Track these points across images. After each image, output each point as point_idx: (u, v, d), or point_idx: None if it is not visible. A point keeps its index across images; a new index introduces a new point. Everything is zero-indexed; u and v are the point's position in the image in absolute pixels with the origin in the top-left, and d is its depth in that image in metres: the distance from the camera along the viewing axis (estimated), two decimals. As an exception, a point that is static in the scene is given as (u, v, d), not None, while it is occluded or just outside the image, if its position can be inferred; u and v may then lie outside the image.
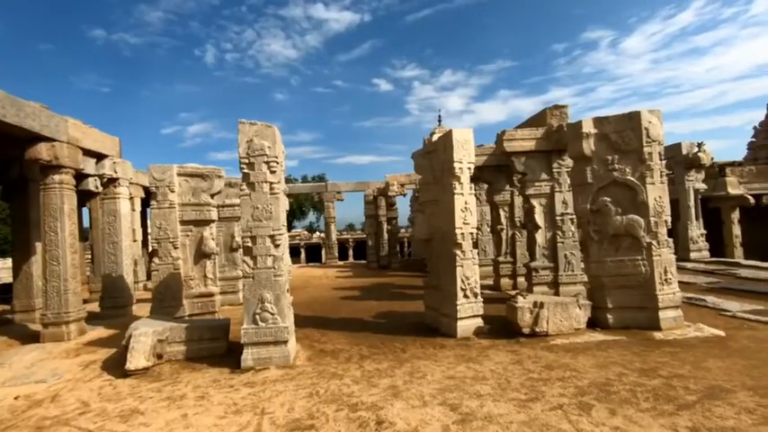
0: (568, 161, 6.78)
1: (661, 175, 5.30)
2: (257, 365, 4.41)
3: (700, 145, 12.48)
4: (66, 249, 6.07)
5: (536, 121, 7.79)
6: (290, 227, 48.94)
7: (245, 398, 3.65)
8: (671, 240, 5.28)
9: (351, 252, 31.25)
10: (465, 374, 3.96)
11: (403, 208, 17.87)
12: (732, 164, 15.97)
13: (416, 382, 3.81)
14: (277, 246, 4.58)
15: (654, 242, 5.17)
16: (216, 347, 4.97)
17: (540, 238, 7.39)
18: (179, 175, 6.51)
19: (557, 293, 7.23)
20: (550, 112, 7.48)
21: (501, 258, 9.02)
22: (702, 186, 12.50)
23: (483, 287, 9.57)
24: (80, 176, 7.10)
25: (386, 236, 14.95)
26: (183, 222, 6.50)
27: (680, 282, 7.27)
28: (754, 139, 23.95)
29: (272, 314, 4.49)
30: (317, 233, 38.75)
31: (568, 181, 7.08)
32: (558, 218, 7.31)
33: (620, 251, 5.32)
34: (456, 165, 5.31)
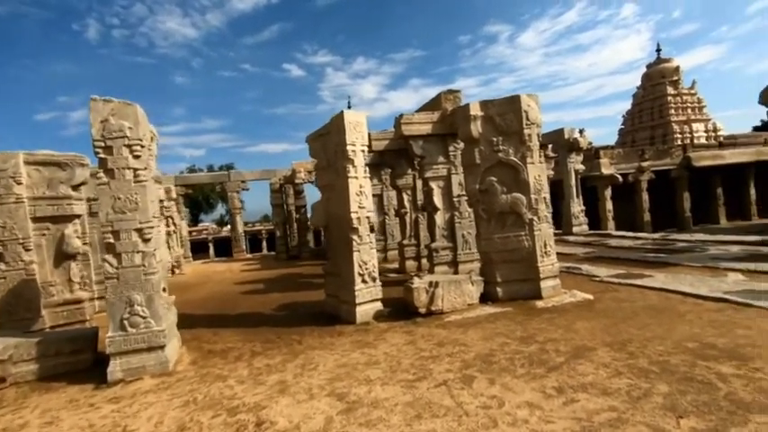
0: (462, 144, 7.01)
1: (540, 156, 5.68)
2: (128, 376, 3.89)
3: (581, 131, 13.88)
4: None
5: (432, 105, 7.95)
6: (196, 220, 45.51)
7: (106, 416, 3.18)
8: (550, 216, 5.72)
9: (264, 244, 29.98)
10: (358, 360, 3.88)
11: (313, 195, 17.46)
12: (605, 147, 18.11)
13: (307, 375, 3.64)
14: (147, 240, 4.05)
15: (535, 218, 5.54)
16: (79, 361, 4.30)
17: (440, 219, 7.61)
18: (27, 163, 5.49)
19: (456, 272, 7.53)
20: (445, 96, 7.67)
21: (405, 241, 9.18)
22: (582, 167, 13.95)
23: (390, 270, 9.73)
24: None
25: (295, 225, 14.48)
26: (37, 219, 5.51)
27: (562, 253, 8.01)
28: (623, 127, 27.50)
29: (144, 317, 3.98)
30: (229, 226, 36.49)
31: (463, 163, 7.35)
32: (455, 199, 7.58)
33: (507, 228, 5.64)
34: (349, 148, 5.16)
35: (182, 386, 3.65)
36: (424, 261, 8.75)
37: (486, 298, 5.63)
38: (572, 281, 6.46)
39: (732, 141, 18.98)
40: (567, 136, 13.31)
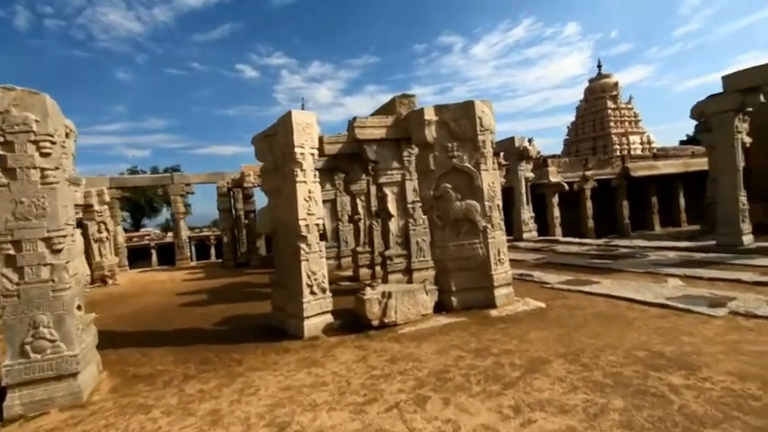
0: (417, 149, 6.87)
1: (493, 162, 5.63)
2: (30, 411, 3.32)
3: (530, 140, 14.29)
4: None
5: (387, 109, 7.77)
6: (138, 225, 42.65)
7: (-7, 465, 2.65)
8: (503, 223, 5.67)
9: (213, 251, 28.52)
10: (304, 382, 3.55)
11: (263, 200, 16.75)
12: (553, 156, 18.86)
13: (245, 401, 3.26)
14: (57, 252, 3.50)
15: (489, 225, 5.47)
16: (-30, 395, 3.64)
17: (394, 226, 7.42)
18: None
19: (410, 280, 7.35)
20: (399, 100, 7.52)
21: (359, 248, 8.91)
22: (531, 175, 14.36)
23: (343, 278, 9.40)
24: None
25: (244, 231, 13.76)
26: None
27: (514, 259, 8.05)
28: (567, 137, 28.90)
29: (52, 341, 3.43)
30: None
31: (418, 169, 7.22)
32: (409, 205, 7.41)
33: (461, 235, 5.52)
34: (297, 150, 4.83)
35: (95, 421, 3.15)
36: (379, 269, 8.52)
37: (440, 307, 5.48)
38: (524, 288, 6.47)
39: (665, 153, 20.41)
40: (517, 144, 13.64)
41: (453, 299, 5.47)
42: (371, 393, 3.20)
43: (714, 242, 8.70)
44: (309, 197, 4.92)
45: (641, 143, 24.83)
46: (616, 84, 25.86)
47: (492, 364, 3.60)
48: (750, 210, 12.14)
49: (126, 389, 3.78)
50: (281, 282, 5.35)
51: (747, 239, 8.20)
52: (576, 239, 12.14)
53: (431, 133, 5.50)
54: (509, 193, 13.76)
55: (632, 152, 22.72)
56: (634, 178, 18.20)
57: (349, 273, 9.46)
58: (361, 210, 8.92)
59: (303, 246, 4.86)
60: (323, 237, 11.46)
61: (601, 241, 11.43)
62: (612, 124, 24.83)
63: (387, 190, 7.36)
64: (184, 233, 15.70)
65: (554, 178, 15.80)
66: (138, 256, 27.27)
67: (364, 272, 8.86)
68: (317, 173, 5.08)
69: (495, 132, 5.65)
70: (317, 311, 4.93)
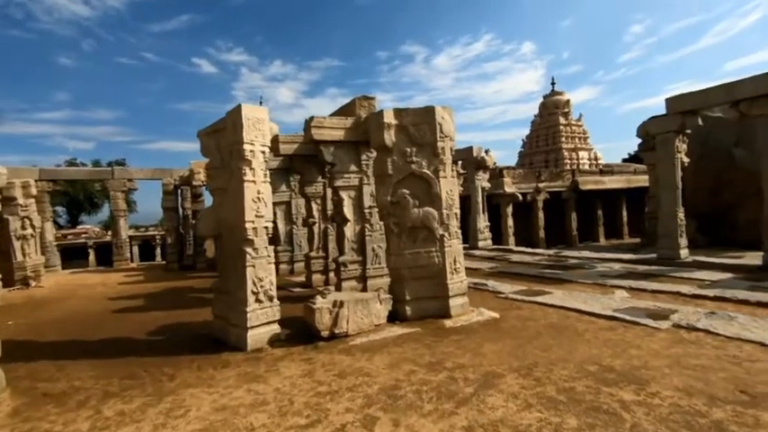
0: (375, 153, 6.69)
1: (452, 170, 5.55)
2: None
3: (487, 151, 14.56)
4: None
5: (346, 110, 7.54)
6: (76, 222, 39.53)
7: None
8: (460, 232, 5.59)
9: (159, 251, 26.89)
10: (242, 401, 3.22)
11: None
12: (508, 167, 19.38)
13: (171, 426, 2.89)
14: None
15: (446, 234, 5.37)
16: None
17: (349, 231, 7.17)
18: None
19: (365, 288, 7.12)
20: (359, 102, 7.32)
21: (313, 254, 8.58)
22: (488, 185, 14.62)
23: (296, 284, 9.02)
24: None
25: (191, 231, 12.98)
26: None
27: (469, 268, 8.04)
28: (522, 150, 29.93)
29: (-64, 357, 2.89)
30: (114, 230, 32.04)
31: (376, 174, 7.03)
32: (366, 211, 7.20)
33: (418, 243, 5.38)
34: (246, 147, 4.49)
35: (-16, 453, 2.67)
36: (332, 275, 8.23)
37: (394, 317, 5.29)
38: (479, 297, 6.44)
39: (610, 169, 21.59)
40: (475, 154, 13.84)
41: (408, 308, 5.30)
42: (316, 414, 2.93)
43: (655, 255, 9.15)
44: (258, 198, 4.58)
45: (589, 159, 26.14)
46: (568, 101, 27.14)
47: (445, 378, 3.44)
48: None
49: (31, 411, 3.27)
50: (224, 288, 4.95)
51: (684, 253, 8.68)
52: (529, 249, 12.43)
53: (390, 137, 5.33)
54: (466, 202, 13.92)
55: (581, 167, 23.85)
56: (583, 192, 19.06)
57: (302, 278, 9.10)
58: (316, 213, 8.60)
59: (249, 250, 4.51)
60: (272, 240, 11.02)
61: (551, 252, 11.77)
62: (564, 139, 25.99)
63: (343, 194, 7.11)
64: (124, 232, 14.58)
65: (509, 189, 16.20)
66: (73, 256, 25.20)
67: (318, 278, 8.53)
68: (267, 172, 4.75)
69: (454, 139, 5.58)
70: (262, 321, 4.58)
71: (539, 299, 6.05)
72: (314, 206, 8.58)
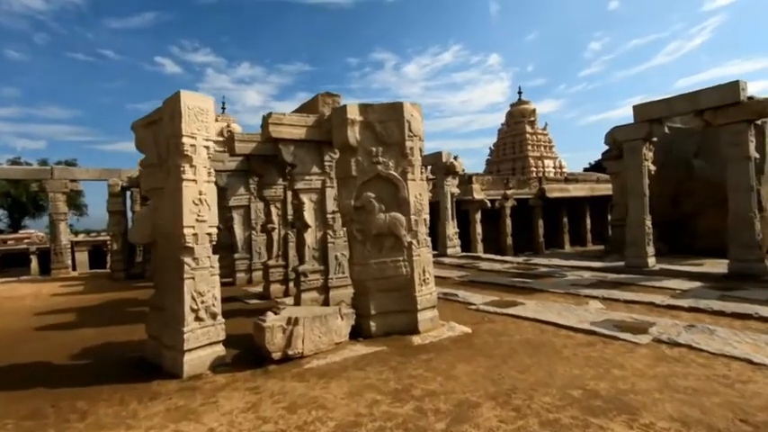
0: (339, 153, 6.19)
1: (421, 172, 5.12)
2: None
3: (455, 157, 14.36)
4: None
5: (308, 107, 7.01)
6: (18, 226, 36.56)
7: None
8: (430, 239, 5.16)
9: (109, 258, 25.07)
10: (164, 448, 2.62)
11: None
12: (477, 174, 19.30)
13: (64, 488, 2.26)
14: None
15: (414, 241, 4.92)
16: None
17: (311, 238, 6.61)
18: None
19: (327, 299, 6.57)
20: (323, 99, 6.80)
21: (272, 262, 7.93)
22: (457, 191, 14.39)
23: (253, 295, 8.33)
24: None
25: (140, 238, 11.97)
26: None
27: (438, 276, 7.63)
28: (489, 158, 30.20)
29: None
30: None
31: (340, 176, 6.52)
32: (329, 216, 6.67)
33: (384, 252, 4.90)
34: (186, 141, 3.88)
35: None
36: (293, 285, 7.61)
37: (357, 333, 4.78)
38: (449, 309, 6.02)
39: (574, 178, 22.00)
40: (444, 159, 13.58)
41: (372, 324, 4.81)
42: (254, 465, 2.38)
43: (622, 263, 9.09)
44: (200, 200, 3.97)
45: (554, 167, 26.65)
46: (534, 110, 27.64)
47: (413, 411, 2.96)
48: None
49: None
50: (158, 304, 4.29)
51: (651, 261, 8.64)
52: (498, 257, 12.23)
53: (354, 135, 4.84)
54: (435, 208, 13.61)
55: (546, 175, 24.23)
56: (549, 199, 19.24)
57: (260, 289, 8.42)
58: (275, 218, 7.98)
59: (188, 260, 3.88)
60: (230, 248, 10.26)
61: (521, 259, 11.60)
62: (530, 148, 26.39)
63: (304, 197, 6.55)
64: (64, 237, 13.29)
65: (478, 195, 16.06)
66: (13, 263, 23.18)
67: (277, 288, 7.89)
68: (212, 171, 4.15)
69: (423, 139, 5.16)
70: (203, 342, 3.96)
71: (511, 310, 5.70)
72: (273, 210, 7.95)
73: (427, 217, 5.13)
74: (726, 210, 14.15)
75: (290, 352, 4.06)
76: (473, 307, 6.15)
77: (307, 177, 6.56)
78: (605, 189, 21.94)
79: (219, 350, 4.10)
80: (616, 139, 9.10)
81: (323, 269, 6.65)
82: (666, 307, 5.57)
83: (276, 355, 4.01)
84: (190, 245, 3.88)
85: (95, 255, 26.38)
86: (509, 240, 17.99)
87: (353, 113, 4.83)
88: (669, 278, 7.58)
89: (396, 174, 4.90)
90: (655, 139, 8.91)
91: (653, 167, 8.85)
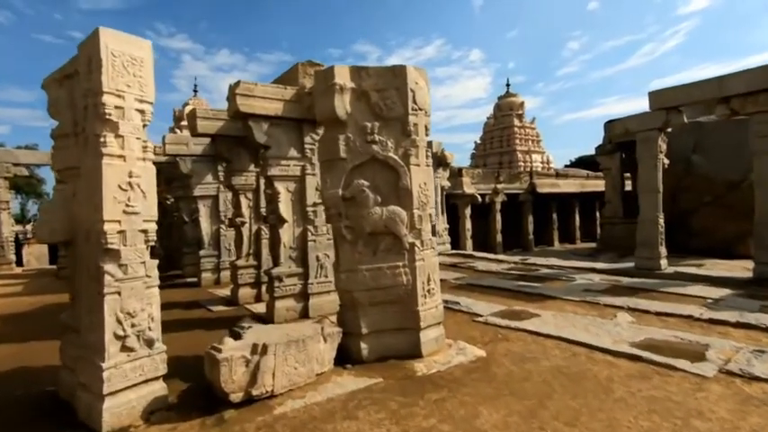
0: (323, 130, 5.11)
1: (427, 156, 4.11)
2: None
3: (442, 150, 13.42)
4: None
5: (286, 79, 5.89)
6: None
7: None
8: (435, 240, 4.17)
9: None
10: None
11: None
12: (467, 167, 18.45)
13: None
14: None
15: (417, 242, 3.92)
16: None
17: (287, 235, 5.52)
18: None
19: (306, 308, 5.52)
20: (303, 69, 5.70)
21: (241, 261, 6.79)
22: (448, 184, 13.47)
23: (219, 300, 7.18)
24: None
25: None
26: None
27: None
28: (475, 152, 29.45)
29: None
30: (20, 226, 27.56)
31: (323, 161, 5.45)
32: (309, 209, 5.61)
33: (379, 255, 3.88)
34: (108, 100, 2.75)
35: None
36: (267, 290, 6.52)
37: (344, 357, 3.77)
38: (452, 321, 5.06)
39: (565, 173, 21.42)
40: (435, 149, 12.61)
41: (364, 346, 3.79)
42: None
43: (630, 264, 8.34)
44: (130, 184, 2.85)
45: (542, 162, 26.08)
46: (522, 103, 26.96)
47: (434, 505, 1.96)
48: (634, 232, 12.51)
49: None
50: (73, 324, 3.16)
51: (664, 263, 7.90)
52: (492, 256, 11.39)
53: (343, 105, 3.78)
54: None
55: (534, 170, 23.61)
56: (540, 194, 18.56)
57: (226, 291, 7.29)
58: (246, 210, 6.84)
59: (110, 267, 2.77)
60: (196, 244, 9.05)
61: (516, 258, 10.77)
62: (518, 141, 25.72)
63: (280, 186, 5.46)
64: (6, 228, 11.75)
65: (468, 189, 15.19)
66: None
67: (247, 293, 6.77)
68: (149, 145, 3.03)
69: (430, 114, 4.15)
70: (133, 381, 2.86)
71: (528, 324, 4.78)
72: (244, 201, 6.80)
73: (433, 212, 4.13)
74: (721, 207, 13.73)
75: (256, 392, 3.01)
76: (480, 319, 5.20)
77: (283, 162, 5.47)
78: (594, 185, 21.46)
79: (158, 389, 3.01)
80: (629, 128, 8.32)
81: (301, 272, 5.59)
82: (708, 321, 4.74)
83: (236, 397, 2.96)
84: (113, 246, 2.76)
85: (54, 248, 24.43)
86: (498, 237, 17.24)
87: (343, 77, 3.77)
88: (688, 283, 6.82)
89: (396, 157, 3.87)
90: (669, 129, 8.13)
91: (666, 161, 8.13)
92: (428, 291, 4.02)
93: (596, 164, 27.69)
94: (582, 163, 33.17)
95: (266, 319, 5.54)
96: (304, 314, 5.50)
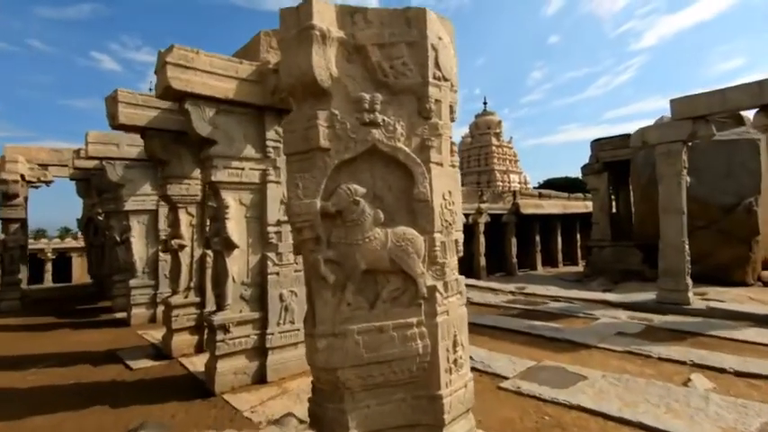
0: (290, 104, 3.61)
1: (453, 152, 2.71)
2: None
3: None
4: None
5: (245, 53, 4.40)
6: None
7: None
8: (461, 280, 2.72)
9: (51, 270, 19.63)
10: None
11: (47, 203, 11.07)
12: (446, 185, 17.27)
13: None
14: None
15: (439, 285, 2.46)
16: None
17: (238, 265, 3.94)
18: None
19: (263, 369, 3.92)
20: (267, 39, 4.23)
21: (178, 298, 5.09)
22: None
23: (147, 348, 5.35)
24: None
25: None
26: None
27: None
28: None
29: None
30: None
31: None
32: (271, 229, 4.07)
33: (380, 307, 2.39)
34: None
35: None
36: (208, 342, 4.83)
37: (319, 477, 2.21)
38: (469, 389, 3.58)
39: (548, 194, 20.69)
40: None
41: (353, 461, 2.25)
42: None
43: (652, 296, 7.21)
44: None
45: (519, 182, 25.45)
46: (500, 122, 26.44)
47: None
48: (628, 256, 11.56)
49: None
50: None
51: (692, 297, 6.79)
52: (484, 284, 10.10)
53: (325, 63, 2.32)
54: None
55: (512, 189, 22.85)
56: (523, 215, 17.62)
57: (161, 334, 5.52)
58: (186, 230, 5.18)
59: None
60: (119, 269, 7.22)
61: (512, 287, 9.52)
62: (496, 161, 25.02)
63: (229, 196, 3.90)
64: None
65: (452, 208, 13.94)
66: None
67: (184, 340, 5.04)
68: None
69: (457, 88, 2.77)
70: None
71: (581, 398, 3.38)
72: (183, 218, 5.15)
73: (461, 236, 2.70)
74: (716, 232, 13.11)
75: None
76: (508, 384, 3.75)
77: (235, 164, 3.93)
78: (576, 207, 20.85)
79: None
80: (647, 139, 7.33)
81: (257, 317, 4.00)
82: (817, 389, 3.51)
83: None
84: None
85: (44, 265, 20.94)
86: (482, 261, 16.04)
87: (326, 19, 2.33)
88: (732, 322, 5.69)
89: (407, 149, 2.43)
90: (690, 143, 7.16)
91: (689, 179, 7.14)
92: (454, 361, 2.55)
93: (569, 186, 27.48)
94: (551, 185, 33.09)
95: (206, 383, 3.89)
96: (259, 378, 3.90)
